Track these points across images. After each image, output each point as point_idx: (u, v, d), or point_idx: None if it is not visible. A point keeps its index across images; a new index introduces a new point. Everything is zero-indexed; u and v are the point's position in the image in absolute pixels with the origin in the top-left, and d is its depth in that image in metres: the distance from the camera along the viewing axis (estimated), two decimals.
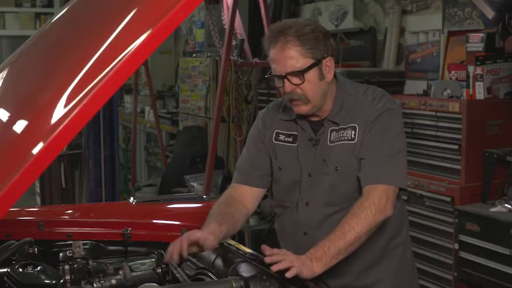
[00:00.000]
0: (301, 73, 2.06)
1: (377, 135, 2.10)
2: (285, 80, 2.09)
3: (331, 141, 2.15)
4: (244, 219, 2.25)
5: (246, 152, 2.33)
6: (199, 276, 1.98)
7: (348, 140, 2.13)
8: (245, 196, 2.26)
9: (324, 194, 2.16)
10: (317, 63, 2.08)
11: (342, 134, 2.14)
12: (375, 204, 2.01)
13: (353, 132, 2.13)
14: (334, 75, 2.20)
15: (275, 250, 1.88)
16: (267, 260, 1.83)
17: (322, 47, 2.09)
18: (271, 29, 2.13)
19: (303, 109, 2.14)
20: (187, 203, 2.90)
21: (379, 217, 2.01)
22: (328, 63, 2.11)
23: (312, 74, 2.08)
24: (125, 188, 7.37)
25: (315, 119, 2.20)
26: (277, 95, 4.61)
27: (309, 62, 2.07)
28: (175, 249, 1.98)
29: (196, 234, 1.99)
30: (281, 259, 1.83)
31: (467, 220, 3.37)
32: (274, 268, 1.81)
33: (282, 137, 2.25)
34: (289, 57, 2.06)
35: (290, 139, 2.23)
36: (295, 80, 2.08)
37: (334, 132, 2.15)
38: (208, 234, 1.99)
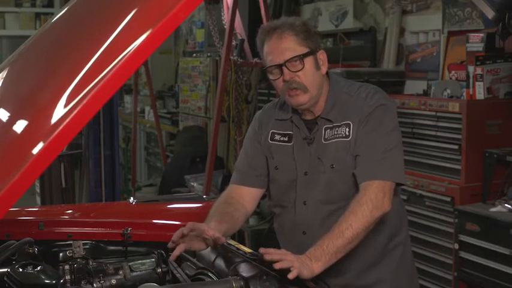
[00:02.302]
0: (301, 57, 2.09)
1: (371, 131, 2.11)
2: (284, 68, 2.10)
3: (325, 139, 2.16)
4: (244, 219, 2.26)
5: (244, 152, 2.35)
6: (199, 276, 1.98)
7: (343, 137, 2.13)
8: (243, 196, 2.27)
9: (321, 193, 2.16)
10: (312, 52, 2.13)
11: (337, 131, 2.15)
12: (372, 200, 2.01)
13: (347, 129, 2.13)
14: (327, 73, 2.21)
15: (272, 250, 1.87)
16: (267, 257, 1.82)
17: (314, 40, 2.15)
18: (262, 28, 2.18)
19: (302, 99, 2.14)
20: (187, 203, 2.90)
21: (376, 213, 2.01)
22: (321, 56, 2.17)
23: (309, 62, 2.12)
24: (125, 188, 7.37)
25: (309, 117, 2.21)
26: (276, 94, 4.61)
27: (305, 50, 2.11)
28: (176, 235, 2.00)
29: (202, 225, 2.01)
30: (281, 258, 1.83)
31: (467, 220, 3.37)
32: (277, 266, 1.81)
33: (277, 137, 2.26)
34: (287, 45, 2.10)
35: (285, 138, 2.24)
36: (294, 67, 2.10)
37: (329, 130, 2.16)
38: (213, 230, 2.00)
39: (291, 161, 2.21)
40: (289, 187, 2.22)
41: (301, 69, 2.10)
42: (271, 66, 2.13)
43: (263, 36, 2.14)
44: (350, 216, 1.98)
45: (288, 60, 2.09)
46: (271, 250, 1.87)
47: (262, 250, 1.88)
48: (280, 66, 2.10)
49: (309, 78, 2.12)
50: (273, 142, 2.26)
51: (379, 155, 2.08)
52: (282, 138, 2.25)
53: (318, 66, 2.15)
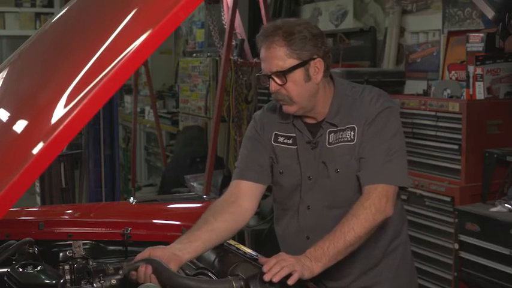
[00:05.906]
0: (283, 74, 2.05)
1: (376, 134, 2.09)
2: (271, 80, 2.08)
3: (330, 143, 2.13)
4: (239, 224, 2.18)
5: (243, 150, 2.29)
6: (199, 276, 1.98)
7: (348, 141, 2.11)
8: (244, 192, 2.19)
9: (325, 197, 2.14)
10: (303, 64, 2.05)
11: (341, 135, 2.12)
12: (375, 204, 2.00)
13: (352, 133, 2.11)
14: (331, 77, 2.18)
15: (273, 260, 1.83)
16: (266, 277, 1.78)
17: (310, 47, 2.06)
18: (262, 29, 2.13)
19: (289, 109, 2.13)
20: (187, 203, 2.90)
21: (379, 217, 2.00)
22: (317, 64, 2.08)
23: (297, 75, 2.06)
24: (125, 188, 7.37)
25: (311, 121, 2.18)
26: None
27: (294, 62, 2.05)
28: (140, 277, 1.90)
29: (158, 253, 1.92)
30: (281, 267, 1.80)
31: (467, 220, 3.37)
32: (276, 279, 1.77)
33: (281, 139, 2.22)
34: (275, 56, 2.05)
35: (290, 141, 2.20)
36: (279, 80, 2.07)
37: (333, 134, 2.14)
38: (172, 256, 1.91)
39: (295, 165, 2.18)
40: (293, 191, 2.20)
41: (285, 83, 2.06)
42: (262, 74, 2.12)
43: (260, 39, 2.10)
44: (353, 219, 1.96)
45: (273, 73, 2.06)
46: (271, 262, 1.82)
47: (262, 261, 1.85)
48: (268, 76, 2.08)
49: (296, 91, 2.07)
50: (277, 144, 2.22)
51: (384, 158, 2.07)
52: (286, 141, 2.21)
53: (308, 77, 2.08)
